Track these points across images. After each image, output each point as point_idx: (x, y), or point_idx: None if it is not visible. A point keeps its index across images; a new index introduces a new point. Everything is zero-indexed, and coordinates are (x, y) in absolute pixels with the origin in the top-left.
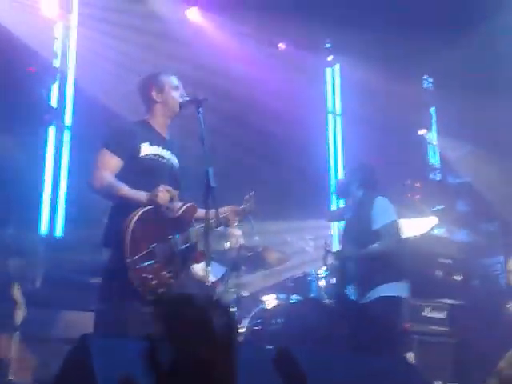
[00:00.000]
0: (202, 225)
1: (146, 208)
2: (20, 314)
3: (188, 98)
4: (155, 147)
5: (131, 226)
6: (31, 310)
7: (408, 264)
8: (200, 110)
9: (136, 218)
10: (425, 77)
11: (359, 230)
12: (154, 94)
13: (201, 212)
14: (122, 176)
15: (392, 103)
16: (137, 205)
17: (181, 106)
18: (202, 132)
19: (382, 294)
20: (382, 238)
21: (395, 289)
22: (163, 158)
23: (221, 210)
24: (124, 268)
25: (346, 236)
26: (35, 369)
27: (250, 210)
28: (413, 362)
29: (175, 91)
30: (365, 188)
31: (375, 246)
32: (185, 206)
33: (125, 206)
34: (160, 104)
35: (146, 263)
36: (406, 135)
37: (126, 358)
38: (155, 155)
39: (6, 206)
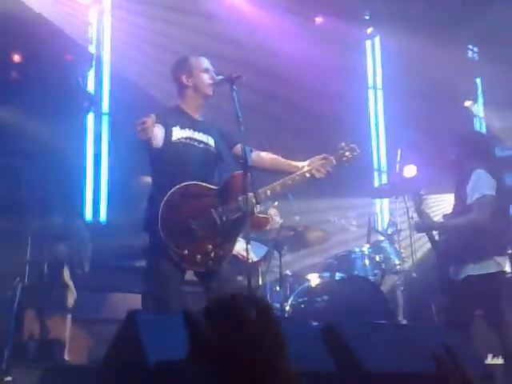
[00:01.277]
0: (258, 191)
1: (181, 185)
2: (71, 298)
3: (221, 77)
4: (186, 130)
5: (167, 205)
6: (81, 294)
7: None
8: (234, 87)
9: (171, 196)
10: (469, 46)
11: (457, 204)
12: (184, 78)
13: (279, 162)
14: (157, 160)
15: (435, 75)
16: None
17: (214, 84)
18: (237, 110)
19: (470, 273)
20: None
21: (486, 266)
22: (195, 140)
23: (311, 160)
24: (165, 247)
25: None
26: (88, 349)
27: (343, 161)
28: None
29: (205, 73)
30: (468, 160)
31: (459, 219)
32: (228, 177)
33: (163, 189)
34: (190, 88)
35: (186, 239)
36: (450, 107)
37: (173, 332)
38: (186, 138)
39: (52, 195)
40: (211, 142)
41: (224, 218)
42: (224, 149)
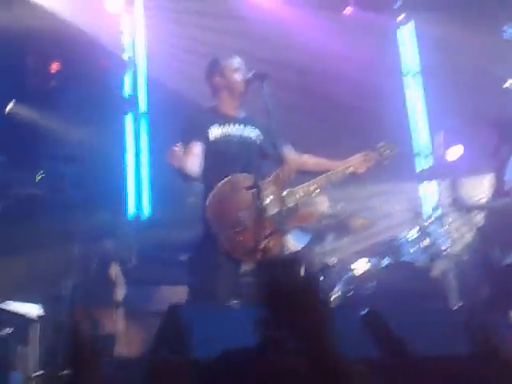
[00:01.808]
0: (303, 185)
1: (228, 178)
2: (121, 292)
3: (251, 75)
4: (222, 127)
5: (215, 198)
6: (130, 287)
7: None
8: (264, 84)
9: (219, 189)
10: (505, 27)
11: (497, 188)
12: (216, 79)
13: (320, 163)
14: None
15: (473, 56)
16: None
17: (245, 82)
18: (268, 106)
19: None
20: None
21: None
22: (233, 136)
23: (351, 158)
24: (215, 238)
25: None
26: (140, 342)
27: (384, 157)
28: None
29: (236, 73)
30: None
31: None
32: (273, 172)
33: (209, 185)
34: (224, 88)
35: (236, 229)
36: (492, 88)
37: (218, 327)
38: (223, 135)
39: (96, 194)
40: (252, 134)
41: (271, 210)
42: (269, 144)
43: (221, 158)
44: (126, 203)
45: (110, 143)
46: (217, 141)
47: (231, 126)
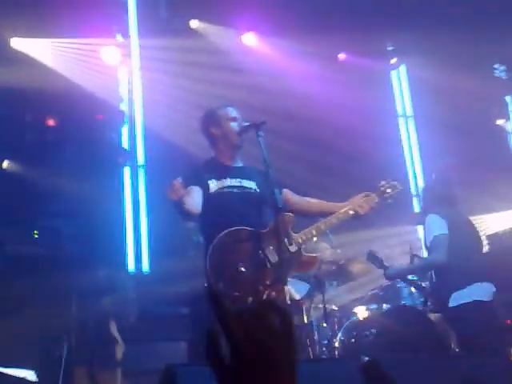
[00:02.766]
0: (305, 230)
1: (228, 231)
2: (120, 351)
3: (247, 124)
4: (222, 180)
5: (215, 250)
6: (129, 345)
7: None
8: (260, 133)
9: (218, 241)
10: (496, 66)
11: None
12: (213, 129)
13: (322, 205)
14: (201, 214)
15: (464, 97)
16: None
17: (240, 133)
18: (264, 154)
19: (450, 305)
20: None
21: (463, 296)
22: (232, 187)
23: (352, 198)
24: (213, 292)
25: None
26: None
27: (385, 197)
28: None
29: (232, 122)
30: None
31: (417, 262)
32: (273, 220)
33: (210, 239)
34: (220, 138)
35: (237, 282)
36: (483, 128)
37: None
38: (223, 188)
39: (94, 249)
40: (251, 185)
41: (272, 260)
42: (267, 192)
43: (221, 209)
44: (125, 258)
45: (107, 197)
46: (216, 192)
47: (229, 176)
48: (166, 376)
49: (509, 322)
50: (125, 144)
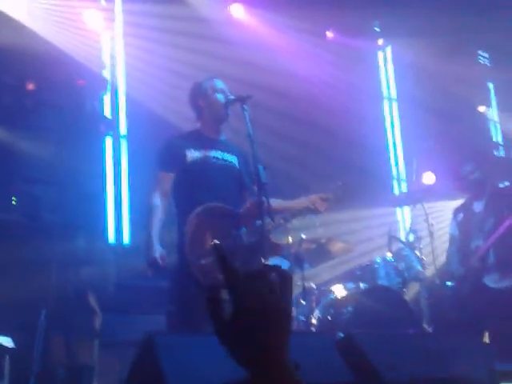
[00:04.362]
0: (279, 216)
1: (204, 206)
2: (97, 322)
3: (233, 97)
4: (202, 151)
5: (191, 226)
6: (107, 317)
7: None
8: (245, 107)
9: (195, 217)
10: (480, 52)
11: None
12: (199, 101)
13: (281, 203)
14: (177, 185)
15: (447, 82)
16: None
17: (225, 105)
18: (249, 129)
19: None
20: None
21: None
22: (212, 157)
23: (311, 197)
24: (189, 267)
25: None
26: (117, 373)
27: (339, 198)
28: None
29: (219, 93)
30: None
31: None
32: (248, 202)
33: (185, 211)
34: (206, 109)
35: (209, 259)
36: (465, 113)
37: (193, 354)
38: (202, 157)
39: (73, 219)
40: (233, 159)
41: (244, 240)
42: (247, 171)
43: (199, 180)
44: (105, 229)
45: (88, 166)
46: (196, 163)
47: (212, 148)
48: (145, 345)
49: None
50: (107, 113)
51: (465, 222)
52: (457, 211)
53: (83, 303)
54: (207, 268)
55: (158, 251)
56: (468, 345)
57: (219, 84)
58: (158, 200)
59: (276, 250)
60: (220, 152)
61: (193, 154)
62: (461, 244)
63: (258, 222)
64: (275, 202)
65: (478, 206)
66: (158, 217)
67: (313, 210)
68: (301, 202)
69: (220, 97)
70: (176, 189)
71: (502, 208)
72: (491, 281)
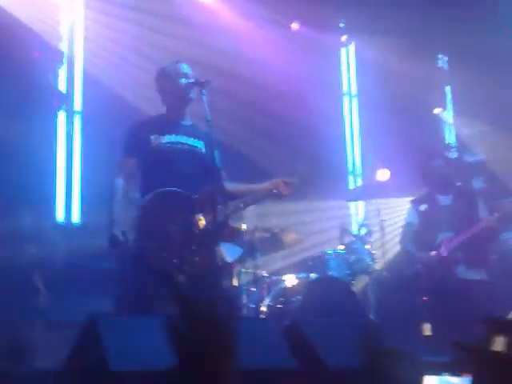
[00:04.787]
0: (237, 201)
1: (160, 191)
2: (41, 301)
3: (192, 81)
4: (167, 136)
5: (146, 210)
6: (53, 296)
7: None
8: (203, 91)
9: (150, 201)
10: (439, 56)
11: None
12: (164, 85)
13: (243, 187)
14: (141, 170)
15: (406, 82)
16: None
17: (186, 89)
18: (207, 113)
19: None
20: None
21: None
22: (178, 143)
23: (273, 181)
24: (142, 251)
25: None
26: (61, 354)
27: (303, 182)
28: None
29: (184, 78)
30: None
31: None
32: (205, 187)
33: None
34: (170, 94)
35: (164, 243)
36: (421, 114)
37: (136, 336)
38: (167, 143)
39: (20, 196)
40: (198, 144)
41: (200, 226)
42: (209, 155)
43: (164, 166)
44: (54, 208)
45: (38, 141)
46: (161, 148)
47: (177, 134)
48: (88, 326)
49: (425, 298)
50: (61, 87)
51: (429, 212)
52: (418, 202)
53: (27, 282)
54: (160, 251)
55: (118, 228)
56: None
57: (184, 68)
58: (121, 182)
59: (233, 235)
60: (185, 137)
61: (158, 140)
62: (421, 233)
63: (218, 207)
64: (237, 187)
65: (444, 200)
66: (120, 195)
67: (275, 194)
68: (263, 185)
69: (184, 81)
70: (140, 174)
71: (471, 206)
72: (459, 272)
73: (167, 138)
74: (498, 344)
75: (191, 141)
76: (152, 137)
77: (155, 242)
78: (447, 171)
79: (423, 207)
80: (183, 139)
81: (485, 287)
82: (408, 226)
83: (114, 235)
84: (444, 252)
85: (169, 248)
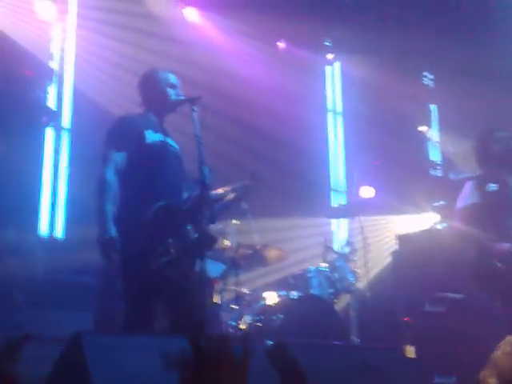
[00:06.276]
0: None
1: (159, 206)
2: (22, 316)
3: (183, 97)
4: (160, 135)
5: (145, 225)
6: (34, 312)
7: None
8: (194, 108)
9: (149, 216)
10: (425, 73)
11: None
12: (150, 88)
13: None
14: (133, 166)
15: (392, 100)
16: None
17: (175, 104)
18: (197, 130)
19: None
20: None
21: None
22: (170, 145)
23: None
24: (144, 266)
25: None
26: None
27: (254, 184)
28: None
29: (171, 88)
30: None
31: None
32: (191, 199)
33: (134, 206)
34: (154, 99)
35: (165, 259)
36: (406, 132)
37: (121, 355)
38: (161, 142)
39: (5, 208)
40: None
41: (190, 237)
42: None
43: (158, 165)
44: (37, 222)
45: (26, 156)
46: (156, 146)
47: (168, 135)
48: (72, 343)
49: (406, 319)
50: (51, 104)
51: (499, 194)
52: (483, 180)
53: (7, 296)
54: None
55: (112, 230)
56: (391, 360)
57: (173, 79)
58: (111, 176)
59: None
60: (171, 139)
61: (152, 136)
62: (487, 218)
63: (201, 219)
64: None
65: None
66: (112, 192)
67: (246, 187)
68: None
69: (170, 92)
70: (131, 170)
71: None
72: None
73: (162, 137)
74: None
75: (175, 144)
76: (146, 133)
77: (161, 257)
78: None
79: (492, 186)
80: (171, 141)
81: None
82: (472, 207)
83: (109, 238)
84: None
85: (169, 262)
